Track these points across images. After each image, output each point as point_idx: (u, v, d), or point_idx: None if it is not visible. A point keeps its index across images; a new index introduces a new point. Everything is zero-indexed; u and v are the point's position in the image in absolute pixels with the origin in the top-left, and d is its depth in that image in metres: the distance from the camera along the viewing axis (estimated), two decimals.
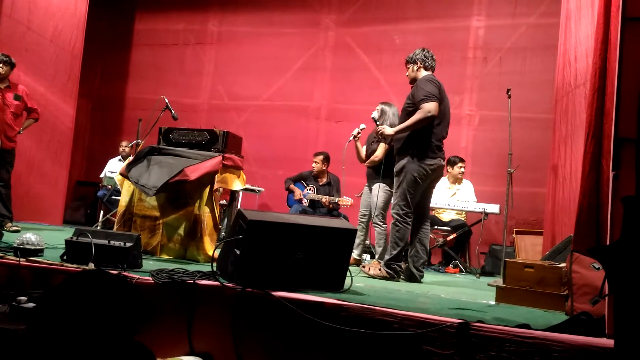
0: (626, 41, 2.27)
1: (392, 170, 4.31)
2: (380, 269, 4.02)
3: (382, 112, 4.97)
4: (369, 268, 4.05)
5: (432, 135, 4.01)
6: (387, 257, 4.04)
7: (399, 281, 4.02)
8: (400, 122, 4.13)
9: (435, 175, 4.16)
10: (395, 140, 4.26)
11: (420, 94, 3.97)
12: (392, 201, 4.10)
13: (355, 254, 5.09)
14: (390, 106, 5.04)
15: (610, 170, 2.26)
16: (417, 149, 4.01)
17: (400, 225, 4.02)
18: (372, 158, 5.08)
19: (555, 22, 5.40)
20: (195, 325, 2.67)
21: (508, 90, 4.93)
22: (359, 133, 5.17)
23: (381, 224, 4.98)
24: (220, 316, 2.64)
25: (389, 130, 4.18)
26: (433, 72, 4.23)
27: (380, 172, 4.77)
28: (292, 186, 6.45)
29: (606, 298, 2.19)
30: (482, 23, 7.12)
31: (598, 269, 2.63)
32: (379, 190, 4.87)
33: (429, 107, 3.91)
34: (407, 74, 4.30)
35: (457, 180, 6.19)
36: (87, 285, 1.77)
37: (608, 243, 2.25)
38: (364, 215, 5.23)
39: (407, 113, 4.08)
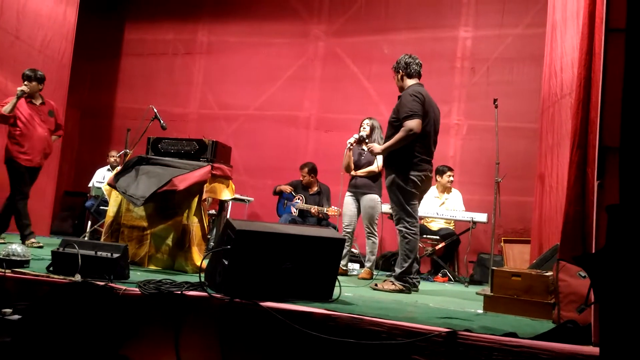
0: (609, 52, 2.31)
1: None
2: (393, 284, 4.00)
3: (373, 128, 5.14)
4: (382, 286, 4.03)
5: (415, 149, 4.03)
6: (398, 270, 4.02)
7: (410, 293, 4.00)
8: (387, 134, 4.18)
9: (424, 187, 4.18)
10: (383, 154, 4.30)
11: (402, 111, 4.01)
12: (394, 217, 4.11)
13: (341, 264, 5.09)
14: (376, 120, 5.27)
15: (595, 179, 2.29)
16: (401, 163, 4.05)
17: (409, 237, 4.03)
18: (372, 168, 5.20)
19: (541, 32, 5.47)
20: (182, 337, 2.65)
21: (495, 100, 4.97)
22: (356, 140, 5.16)
23: (375, 234, 5.10)
24: (207, 327, 2.62)
25: (377, 149, 4.25)
26: (419, 77, 4.25)
27: (377, 182, 5.18)
28: (280, 187, 6.38)
29: (592, 306, 2.21)
30: (469, 34, 7.20)
31: (584, 277, 2.65)
32: (375, 202, 5.15)
33: (411, 125, 3.95)
34: (396, 82, 4.34)
35: (445, 189, 6.21)
36: (72, 298, 1.76)
37: (593, 251, 2.26)
38: (349, 225, 5.24)
39: (392, 127, 4.13)
